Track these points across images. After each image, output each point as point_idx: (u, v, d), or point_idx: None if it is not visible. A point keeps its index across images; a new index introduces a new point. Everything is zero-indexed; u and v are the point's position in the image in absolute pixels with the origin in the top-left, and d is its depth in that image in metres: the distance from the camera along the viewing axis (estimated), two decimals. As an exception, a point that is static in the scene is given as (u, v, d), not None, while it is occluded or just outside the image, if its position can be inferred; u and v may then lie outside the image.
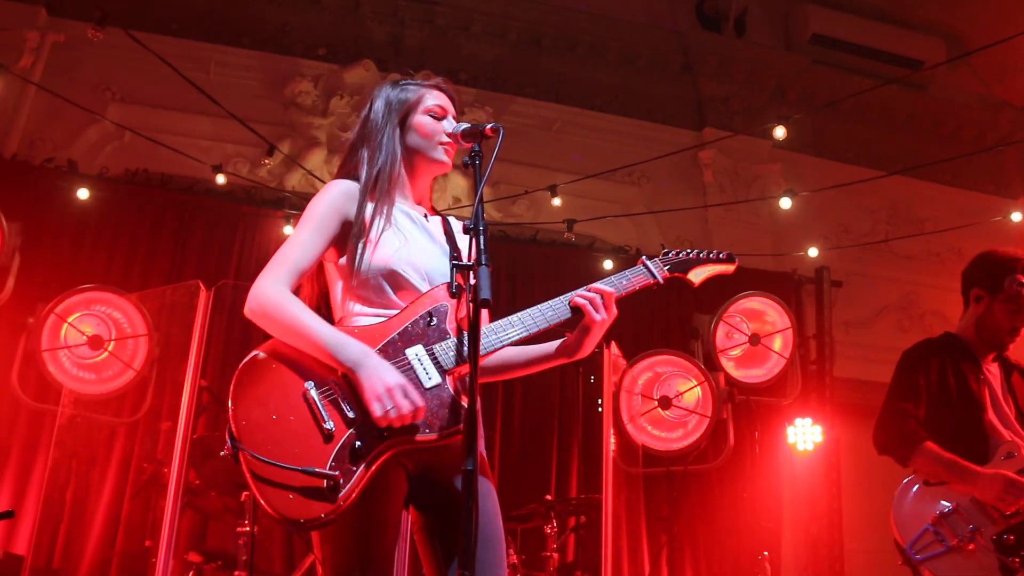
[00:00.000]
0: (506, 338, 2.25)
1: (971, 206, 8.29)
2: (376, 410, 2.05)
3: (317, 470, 2.02)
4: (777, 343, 6.16)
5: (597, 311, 2.31)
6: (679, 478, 6.07)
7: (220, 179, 6.28)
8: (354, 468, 2.04)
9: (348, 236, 2.32)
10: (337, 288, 2.36)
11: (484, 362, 2.39)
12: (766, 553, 5.73)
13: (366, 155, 2.42)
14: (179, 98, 6.56)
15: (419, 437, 2.09)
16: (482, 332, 2.22)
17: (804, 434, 6.78)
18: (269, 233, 6.53)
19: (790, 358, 6.14)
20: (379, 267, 2.28)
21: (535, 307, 2.30)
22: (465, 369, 2.17)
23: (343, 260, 2.33)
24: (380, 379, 2.07)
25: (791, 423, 6.83)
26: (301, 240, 2.30)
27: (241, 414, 2.10)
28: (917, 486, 3.43)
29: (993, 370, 3.65)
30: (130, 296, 5.34)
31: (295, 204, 6.74)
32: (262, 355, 2.19)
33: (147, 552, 5.07)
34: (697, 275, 2.60)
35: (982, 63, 8.57)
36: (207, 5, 7.28)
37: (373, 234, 2.30)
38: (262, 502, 2.04)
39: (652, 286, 2.44)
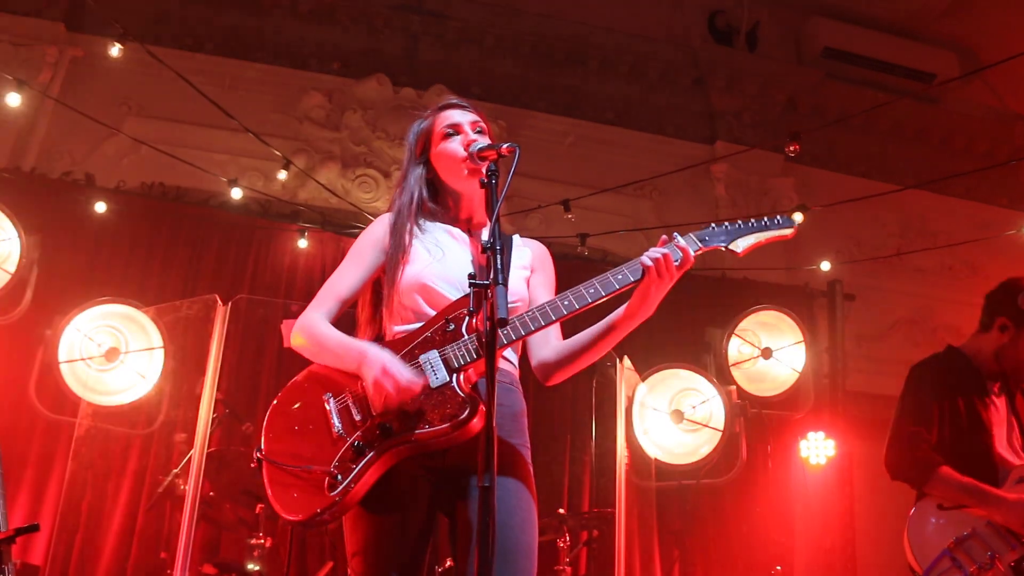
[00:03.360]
0: (547, 317, 2.26)
1: (984, 219, 8.27)
2: (375, 402, 2.20)
3: (314, 467, 2.16)
4: (790, 357, 6.16)
5: (660, 273, 2.26)
6: (692, 492, 6.07)
7: (235, 193, 6.32)
8: (353, 466, 2.15)
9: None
10: (386, 313, 2.48)
11: (548, 357, 2.48)
12: (779, 568, 5.72)
13: (397, 195, 2.60)
14: (195, 112, 6.61)
15: (417, 433, 2.17)
16: (524, 315, 2.28)
17: (817, 448, 6.76)
18: (283, 247, 6.58)
19: (803, 372, 6.14)
20: (412, 282, 2.40)
21: (579, 285, 2.29)
22: (476, 367, 2.25)
23: (387, 288, 2.45)
24: (371, 373, 2.20)
25: (804, 437, 6.81)
26: (339, 272, 2.53)
27: (268, 428, 2.32)
28: (931, 510, 3.40)
29: (998, 391, 3.63)
30: (146, 309, 5.38)
31: (309, 218, 6.78)
32: (298, 378, 2.40)
33: (162, 564, 5.11)
34: (743, 243, 2.43)
35: (995, 76, 8.56)
36: (223, 20, 7.34)
37: (408, 254, 2.43)
38: (273, 504, 2.20)
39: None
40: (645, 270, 2.26)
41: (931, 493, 3.42)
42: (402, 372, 2.20)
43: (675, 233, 2.37)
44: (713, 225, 2.43)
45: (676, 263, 2.28)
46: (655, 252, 2.28)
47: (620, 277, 2.29)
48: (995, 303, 3.69)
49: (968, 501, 3.33)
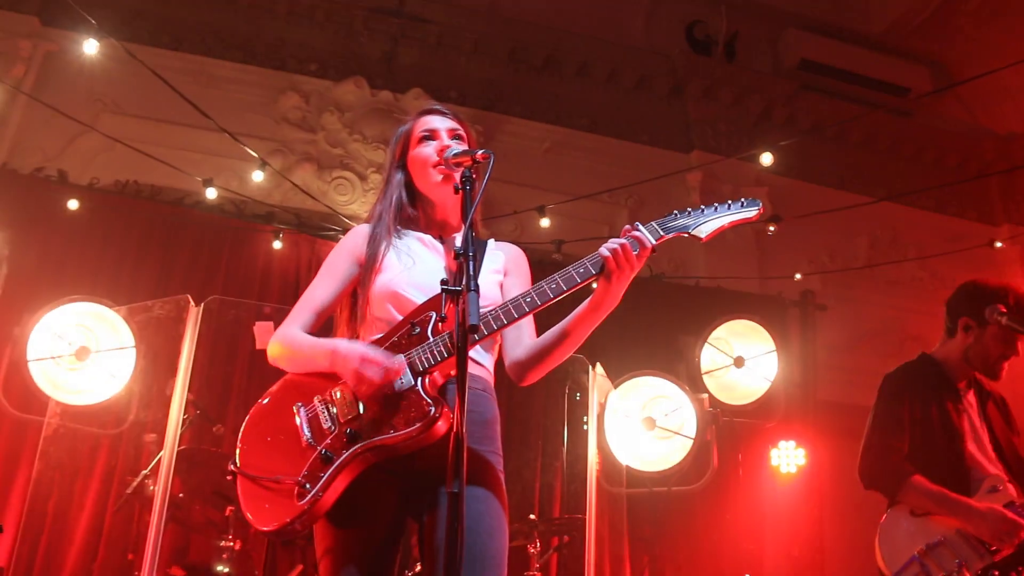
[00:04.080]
0: (510, 315, 2.26)
1: (954, 232, 8.38)
2: (360, 392, 2.20)
3: (283, 478, 2.17)
4: (762, 366, 6.19)
5: (620, 265, 2.24)
6: (662, 499, 6.09)
7: (210, 193, 6.28)
8: (321, 474, 2.15)
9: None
10: (361, 326, 2.47)
11: (521, 356, 2.46)
12: (748, 575, 5.75)
13: (379, 199, 2.61)
14: (170, 110, 6.56)
15: (383, 438, 2.17)
16: (488, 314, 2.26)
17: (787, 457, 6.82)
18: (258, 248, 6.54)
19: (774, 381, 6.18)
20: (383, 290, 2.40)
21: (541, 281, 2.28)
22: (441, 369, 2.24)
23: (361, 298, 2.46)
24: (349, 362, 2.20)
25: (775, 445, 6.86)
26: (314, 285, 2.53)
27: (243, 440, 2.33)
28: (903, 516, 3.44)
29: (970, 398, 3.68)
30: (118, 308, 5.33)
31: (284, 219, 6.75)
32: (273, 388, 2.41)
33: (129, 565, 5.05)
34: (707, 228, 2.36)
35: (967, 92, 8.68)
36: (200, 18, 7.31)
37: (379, 263, 2.43)
38: (246, 516, 2.20)
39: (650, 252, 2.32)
40: (604, 261, 2.25)
41: (904, 501, 3.46)
42: (380, 356, 2.20)
43: (637, 223, 2.35)
44: (676, 212, 2.38)
45: (635, 252, 2.26)
46: (613, 243, 2.26)
47: (581, 271, 2.27)
48: (956, 306, 3.76)
49: (939, 510, 3.37)
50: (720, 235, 2.41)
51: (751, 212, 2.37)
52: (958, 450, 3.49)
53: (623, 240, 2.27)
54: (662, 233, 2.33)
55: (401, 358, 2.25)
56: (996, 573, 3.23)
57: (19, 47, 6.72)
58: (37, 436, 5.27)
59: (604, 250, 2.26)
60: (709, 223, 2.35)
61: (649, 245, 2.28)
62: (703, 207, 2.39)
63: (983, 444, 3.54)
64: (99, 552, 5.51)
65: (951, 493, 3.36)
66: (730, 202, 2.40)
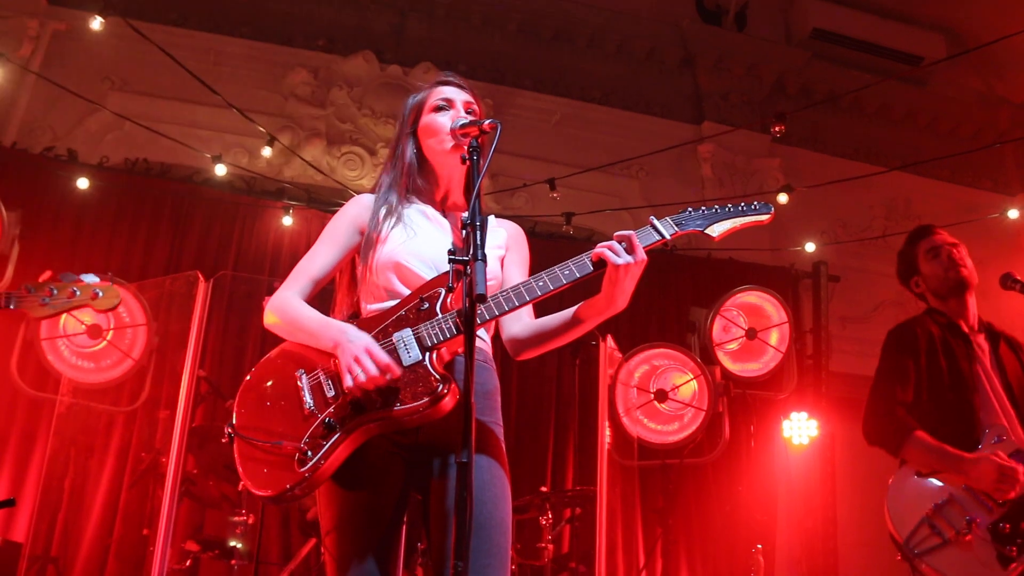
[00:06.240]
0: (521, 298, 2.26)
1: (969, 202, 8.31)
2: (346, 381, 2.16)
3: (285, 443, 2.16)
4: (774, 337, 6.18)
5: (618, 255, 2.24)
6: (674, 471, 6.10)
7: (219, 169, 6.28)
8: (324, 442, 2.15)
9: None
10: (361, 291, 2.48)
11: (519, 334, 2.47)
12: (760, 546, 5.76)
13: (386, 168, 2.60)
14: (179, 88, 6.56)
15: (388, 410, 2.17)
16: (499, 295, 2.28)
17: (799, 428, 6.81)
18: (268, 224, 6.56)
19: (786, 352, 6.17)
20: (385, 260, 2.40)
21: (555, 266, 2.28)
22: (449, 346, 2.25)
23: (361, 266, 2.45)
24: (349, 351, 2.18)
25: (787, 417, 6.85)
26: (313, 252, 2.52)
27: (240, 403, 2.30)
28: (909, 478, 3.41)
29: (982, 343, 3.64)
30: (129, 285, 5.35)
31: (294, 195, 6.75)
32: (271, 355, 2.38)
33: (144, 540, 5.11)
34: (719, 228, 2.43)
35: (982, 59, 8.57)
36: (207, -5, 7.28)
37: (383, 232, 2.42)
38: (244, 479, 2.20)
39: (659, 244, 2.35)
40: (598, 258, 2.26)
41: (907, 459, 3.43)
42: (382, 354, 2.18)
43: (651, 216, 2.38)
44: (690, 209, 2.43)
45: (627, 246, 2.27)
46: (612, 241, 2.28)
47: (594, 262, 2.28)
48: (904, 279, 3.90)
49: (940, 466, 3.34)
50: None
51: (763, 216, 2.47)
52: (968, 401, 3.45)
53: (627, 232, 2.29)
54: (676, 228, 2.38)
55: (408, 332, 2.24)
56: (1007, 527, 3.20)
57: (26, 26, 6.70)
58: (52, 414, 5.32)
59: (600, 247, 2.28)
60: (722, 224, 2.43)
61: (658, 239, 2.32)
62: (716, 207, 2.45)
63: (996, 390, 3.49)
64: (115, 527, 5.57)
65: (950, 448, 3.33)
66: (743, 204, 2.47)
